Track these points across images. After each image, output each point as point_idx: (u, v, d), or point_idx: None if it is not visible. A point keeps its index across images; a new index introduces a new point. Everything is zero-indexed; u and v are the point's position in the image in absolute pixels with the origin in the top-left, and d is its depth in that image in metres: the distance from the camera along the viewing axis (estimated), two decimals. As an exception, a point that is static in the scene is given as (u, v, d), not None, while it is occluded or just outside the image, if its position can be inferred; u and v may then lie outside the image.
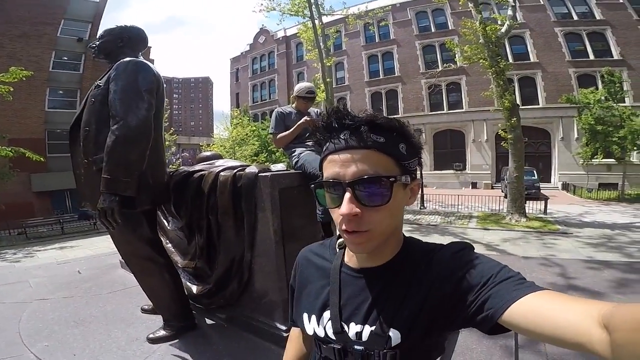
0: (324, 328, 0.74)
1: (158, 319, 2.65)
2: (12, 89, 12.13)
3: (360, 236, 0.64)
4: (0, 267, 6.96)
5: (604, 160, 18.67)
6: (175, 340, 2.50)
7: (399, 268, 0.70)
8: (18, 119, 18.22)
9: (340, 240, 0.82)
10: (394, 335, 0.65)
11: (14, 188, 15.09)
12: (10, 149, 12.14)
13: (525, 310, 0.51)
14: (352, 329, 0.70)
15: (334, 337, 0.72)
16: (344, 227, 0.64)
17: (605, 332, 0.41)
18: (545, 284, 0.56)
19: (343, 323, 0.71)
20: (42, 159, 12.72)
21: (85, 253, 7.86)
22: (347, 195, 0.62)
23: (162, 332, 2.52)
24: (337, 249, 0.81)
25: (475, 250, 0.69)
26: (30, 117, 19.06)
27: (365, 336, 0.68)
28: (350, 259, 0.77)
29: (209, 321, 2.83)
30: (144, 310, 3.00)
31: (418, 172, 0.72)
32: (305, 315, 0.79)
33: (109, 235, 2.47)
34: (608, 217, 12.32)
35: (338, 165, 0.64)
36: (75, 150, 2.40)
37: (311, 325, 0.76)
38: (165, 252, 2.66)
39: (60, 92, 20.94)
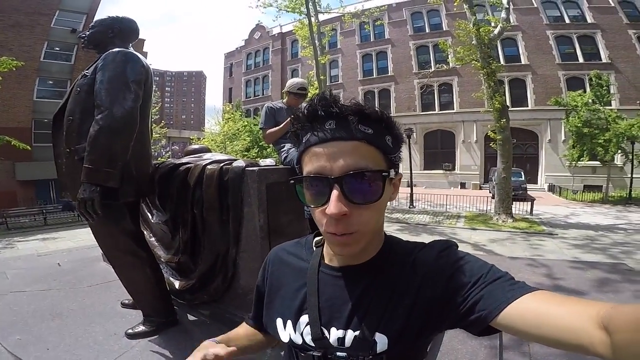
0: (301, 334, 0.67)
1: (138, 314, 2.58)
2: (1, 78, 11.92)
3: (349, 238, 0.58)
4: (-22, 258, 6.77)
5: (589, 162, 19.00)
6: (155, 336, 2.44)
7: (382, 266, 0.66)
8: (5, 107, 17.88)
9: (318, 238, 0.77)
10: (380, 340, 0.60)
11: (-3, 176, 14.80)
12: (-3, 137, 11.90)
13: (522, 312, 0.50)
14: (334, 334, 0.64)
15: (312, 344, 0.66)
16: (331, 229, 0.57)
17: (605, 333, 0.41)
18: (531, 284, 0.55)
19: (323, 328, 0.65)
20: (28, 147, 12.46)
21: (67, 245, 7.69)
22: (335, 192, 0.55)
23: (141, 328, 2.46)
24: (314, 248, 0.75)
25: (459, 249, 0.66)
26: (18, 106, 18.72)
27: (348, 342, 0.63)
28: (330, 258, 0.71)
29: (191, 317, 2.77)
30: (124, 305, 2.92)
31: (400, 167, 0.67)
32: (279, 321, 0.72)
33: (91, 228, 2.40)
34: (592, 218, 12.53)
35: (324, 158, 0.57)
36: (58, 140, 2.35)
37: (287, 332, 0.70)
38: (147, 246, 2.59)
39: (50, 82, 20.56)
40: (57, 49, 20.78)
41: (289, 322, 0.70)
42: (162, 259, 3.02)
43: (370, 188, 0.57)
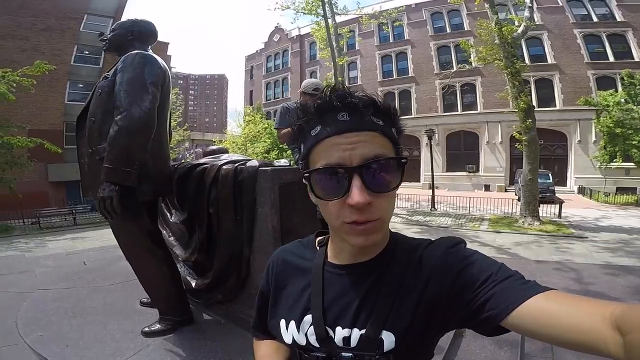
0: (306, 335, 0.65)
1: (156, 313, 2.62)
2: (35, 82, 12.44)
3: (373, 225, 0.57)
4: (11, 256, 7.07)
5: (622, 164, 18.14)
6: (171, 335, 2.46)
7: (388, 262, 0.64)
8: (39, 110, 18.64)
9: (320, 237, 0.75)
10: (387, 338, 0.59)
11: (31, 178, 15.46)
12: (29, 140, 12.43)
13: (534, 312, 0.49)
14: (339, 333, 0.62)
15: (317, 345, 0.64)
16: (354, 218, 0.56)
17: (619, 333, 0.40)
18: (559, 289, 0.52)
19: (328, 327, 0.63)
20: (59, 150, 13.00)
21: (94, 244, 7.95)
22: (357, 182, 0.54)
23: (157, 326, 2.50)
24: (318, 247, 0.74)
25: (467, 246, 0.64)
26: (51, 109, 19.48)
27: (354, 341, 0.61)
28: (336, 256, 0.69)
29: (206, 317, 2.79)
30: (142, 304, 2.98)
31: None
32: (282, 322, 0.70)
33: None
34: (625, 221, 11.95)
35: (341, 148, 0.56)
36: (81, 140, 2.44)
37: (289, 333, 0.68)
38: (164, 245, 2.64)
39: (80, 85, 21.23)
40: (86, 52, 21.52)
41: (292, 323, 0.68)
42: (179, 258, 3.06)
43: (390, 176, 0.57)
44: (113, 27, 2.63)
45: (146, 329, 2.48)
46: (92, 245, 7.79)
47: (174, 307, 2.55)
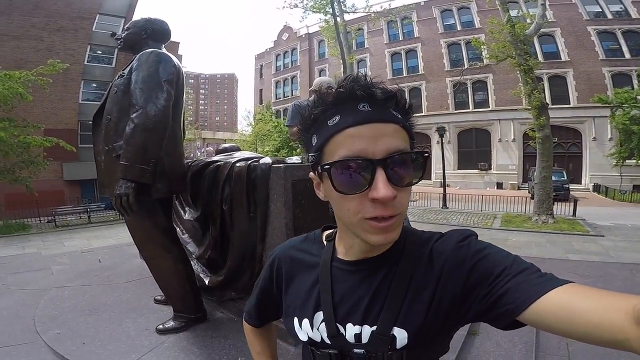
0: (319, 331, 0.65)
1: (170, 310, 2.65)
2: (50, 81, 12.65)
3: (393, 221, 0.54)
4: (28, 254, 7.23)
5: (639, 161, 17.71)
6: (185, 332, 2.48)
7: (398, 257, 0.62)
8: (54, 110, 18.93)
9: (328, 232, 0.73)
10: (399, 335, 0.58)
11: (46, 176, 15.76)
12: (45, 139, 12.66)
13: (552, 307, 0.47)
14: (350, 330, 0.61)
15: (329, 341, 0.63)
16: (376, 213, 0.53)
17: None
18: None
19: (339, 324, 0.62)
20: (74, 149, 13.21)
21: (108, 242, 8.07)
22: (381, 175, 0.52)
23: (171, 324, 2.51)
24: (325, 242, 0.71)
25: (479, 239, 0.61)
26: (65, 109, 19.76)
27: (365, 337, 0.60)
28: (346, 252, 0.66)
29: (219, 314, 2.80)
30: (157, 301, 3.00)
31: None
32: (295, 320, 0.68)
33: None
34: (643, 220, 11.60)
35: (364, 140, 0.53)
36: (97, 138, 2.47)
37: (304, 331, 0.67)
38: (179, 242, 2.65)
39: (94, 85, 21.53)
40: (100, 52, 21.81)
41: (306, 321, 0.67)
42: (193, 255, 3.08)
43: (413, 169, 0.55)
44: (127, 26, 2.65)
45: (160, 326, 2.50)
46: (106, 244, 7.92)
47: (188, 305, 2.57)
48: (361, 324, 0.61)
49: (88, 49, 21.25)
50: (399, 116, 0.57)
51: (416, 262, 0.61)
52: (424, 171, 0.57)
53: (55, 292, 3.48)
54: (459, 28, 26.98)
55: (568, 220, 10.97)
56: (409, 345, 0.58)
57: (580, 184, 22.66)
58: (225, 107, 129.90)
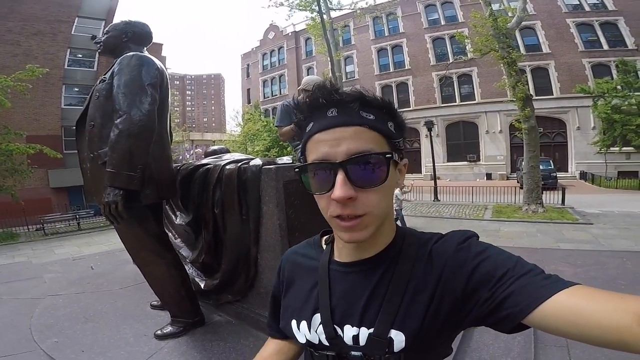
0: (317, 333, 0.65)
1: (167, 315, 2.63)
2: (30, 86, 12.39)
3: (358, 221, 0.56)
4: (18, 263, 7.12)
5: (622, 148, 18.18)
6: (183, 337, 2.48)
7: (395, 258, 0.63)
8: (36, 116, 18.56)
9: (327, 236, 0.75)
10: (397, 337, 0.58)
11: (32, 184, 15.48)
12: (28, 146, 12.42)
13: (559, 310, 0.46)
14: (348, 332, 0.62)
15: (327, 343, 0.64)
16: (337, 212, 0.56)
17: None
18: (566, 276, 0.51)
19: (336, 326, 0.63)
20: (59, 155, 12.98)
21: (100, 249, 7.97)
22: (340, 176, 0.54)
23: (169, 329, 2.51)
24: (324, 246, 0.73)
25: (480, 240, 0.62)
26: (48, 114, 19.36)
27: (363, 340, 0.60)
28: (340, 253, 0.68)
29: (217, 317, 2.80)
30: (153, 307, 2.99)
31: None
32: (294, 322, 0.70)
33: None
34: (629, 205, 11.89)
35: (327, 144, 0.56)
36: (82, 145, 2.40)
37: (302, 333, 0.68)
38: (172, 247, 2.63)
39: (76, 89, 21.08)
40: (80, 55, 21.38)
41: (304, 323, 0.68)
42: (187, 260, 3.07)
43: (375, 171, 0.56)
44: (106, 29, 2.58)
45: (159, 331, 2.49)
46: (98, 250, 7.82)
47: (185, 310, 2.56)
48: (359, 326, 0.61)
49: (68, 53, 20.83)
50: (371, 117, 0.58)
51: (414, 263, 0.61)
52: (387, 173, 0.57)
53: (50, 300, 3.44)
54: (442, 23, 27.30)
55: (557, 209, 11.21)
56: (407, 348, 0.57)
57: (567, 172, 23.20)
58: (213, 107, 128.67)
